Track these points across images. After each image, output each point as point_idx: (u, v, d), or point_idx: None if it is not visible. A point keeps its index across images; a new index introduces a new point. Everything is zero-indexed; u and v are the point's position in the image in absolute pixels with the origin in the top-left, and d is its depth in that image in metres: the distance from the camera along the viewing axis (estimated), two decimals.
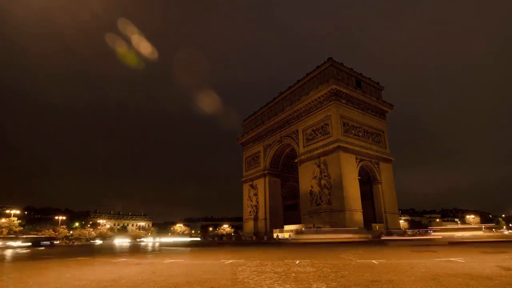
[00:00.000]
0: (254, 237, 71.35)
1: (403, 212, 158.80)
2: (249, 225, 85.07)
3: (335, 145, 59.10)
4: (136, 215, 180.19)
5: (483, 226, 54.87)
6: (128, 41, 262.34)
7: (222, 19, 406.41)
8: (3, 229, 72.78)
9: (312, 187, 62.40)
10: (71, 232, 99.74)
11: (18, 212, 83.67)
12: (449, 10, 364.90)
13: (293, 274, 10.22)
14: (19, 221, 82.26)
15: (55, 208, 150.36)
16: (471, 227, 50.13)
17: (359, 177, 61.57)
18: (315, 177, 61.88)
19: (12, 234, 67.50)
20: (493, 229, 62.96)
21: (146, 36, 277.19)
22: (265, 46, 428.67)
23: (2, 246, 45.12)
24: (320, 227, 54.94)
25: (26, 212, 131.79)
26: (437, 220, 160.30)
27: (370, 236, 48.44)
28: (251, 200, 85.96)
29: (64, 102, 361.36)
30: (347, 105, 64.10)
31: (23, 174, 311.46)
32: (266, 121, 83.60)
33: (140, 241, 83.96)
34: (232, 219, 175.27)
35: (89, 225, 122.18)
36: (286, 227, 63.48)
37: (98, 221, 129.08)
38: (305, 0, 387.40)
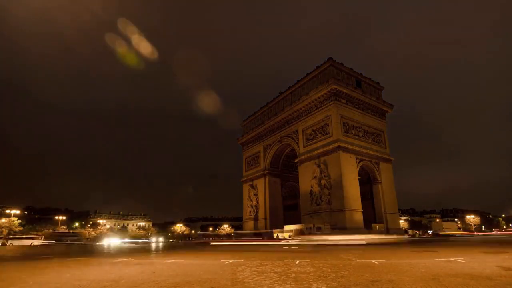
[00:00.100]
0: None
1: (403, 212, 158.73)
2: (249, 225, 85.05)
3: (335, 145, 59.09)
4: (136, 215, 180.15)
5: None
6: (128, 41, 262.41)
7: (222, 19, 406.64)
8: (3, 229, 72.78)
9: (312, 187, 62.39)
10: (71, 232, 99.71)
11: (18, 212, 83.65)
12: (449, 10, 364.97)
13: (293, 274, 10.22)
14: (19, 221, 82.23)
15: (55, 208, 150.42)
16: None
17: (359, 177, 61.54)
18: (315, 177, 61.86)
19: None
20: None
21: (146, 36, 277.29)
22: (265, 45, 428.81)
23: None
24: (320, 227, 55.00)
25: (26, 212, 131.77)
26: (437, 220, 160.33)
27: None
28: (251, 200, 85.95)
29: (64, 102, 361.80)
30: (347, 105, 64.07)
31: (23, 174, 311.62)
32: (266, 121, 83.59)
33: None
34: (232, 219, 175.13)
35: (89, 225, 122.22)
36: (286, 227, 63.53)
37: (98, 221, 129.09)
38: (305, 0, 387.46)
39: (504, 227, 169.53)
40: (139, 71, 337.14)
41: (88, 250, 37.18)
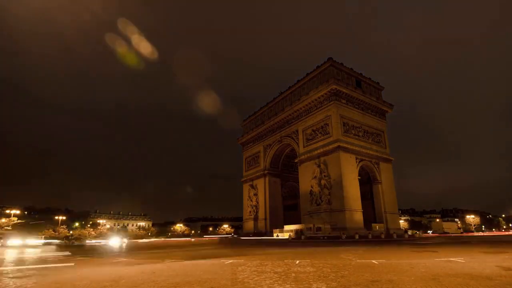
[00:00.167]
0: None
1: (403, 212, 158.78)
2: (249, 225, 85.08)
3: (335, 145, 59.08)
4: (136, 215, 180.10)
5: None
6: (128, 41, 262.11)
7: (222, 19, 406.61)
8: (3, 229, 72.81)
9: (312, 187, 62.38)
10: (71, 232, 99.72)
11: (18, 212, 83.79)
12: (449, 10, 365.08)
13: (293, 274, 10.22)
14: (19, 221, 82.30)
15: (55, 208, 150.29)
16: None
17: (359, 177, 61.53)
18: (315, 177, 61.86)
19: None
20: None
21: (146, 36, 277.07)
22: (265, 45, 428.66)
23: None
24: (320, 227, 54.99)
25: (26, 212, 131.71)
26: (437, 220, 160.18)
27: None
28: (251, 200, 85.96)
29: (64, 102, 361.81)
30: (347, 105, 64.07)
31: (23, 174, 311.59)
32: (266, 121, 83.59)
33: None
34: (232, 219, 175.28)
35: (89, 225, 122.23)
36: (286, 227, 63.52)
37: (98, 221, 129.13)
38: (306, 0, 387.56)
39: (504, 227, 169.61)
40: (139, 71, 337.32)
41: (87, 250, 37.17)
